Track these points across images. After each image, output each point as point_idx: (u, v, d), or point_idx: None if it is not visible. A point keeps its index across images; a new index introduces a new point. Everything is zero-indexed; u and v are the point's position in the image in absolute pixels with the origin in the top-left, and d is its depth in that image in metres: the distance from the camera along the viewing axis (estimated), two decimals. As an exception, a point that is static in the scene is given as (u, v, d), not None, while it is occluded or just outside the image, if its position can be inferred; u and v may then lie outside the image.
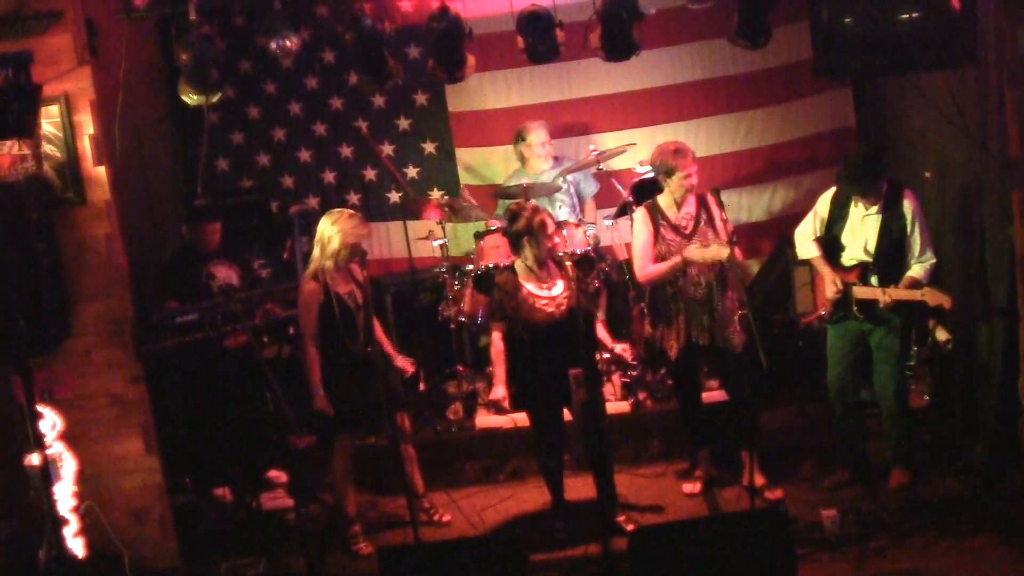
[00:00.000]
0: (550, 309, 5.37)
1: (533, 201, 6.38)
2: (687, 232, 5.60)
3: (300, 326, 5.56)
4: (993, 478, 5.37)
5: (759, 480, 5.60)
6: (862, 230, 5.48)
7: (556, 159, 7.25)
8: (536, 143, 7.14)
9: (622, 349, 5.70)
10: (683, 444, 6.15)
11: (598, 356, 5.95)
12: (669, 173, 5.56)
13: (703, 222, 5.59)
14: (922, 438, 5.97)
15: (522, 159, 7.25)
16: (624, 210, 6.98)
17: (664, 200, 5.68)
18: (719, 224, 5.48)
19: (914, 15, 4.80)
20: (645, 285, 5.78)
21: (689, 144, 5.74)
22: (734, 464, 5.86)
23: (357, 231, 5.47)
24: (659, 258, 5.61)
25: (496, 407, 5.53)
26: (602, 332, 5.68)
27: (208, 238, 6.39)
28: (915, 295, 5.26)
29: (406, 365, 5.82)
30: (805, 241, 5.68)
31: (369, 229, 5.66)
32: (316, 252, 5.55)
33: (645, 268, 5.65)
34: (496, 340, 5.48)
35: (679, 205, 5.63)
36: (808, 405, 6.41)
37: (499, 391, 5.42)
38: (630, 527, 5.37)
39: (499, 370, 5.47)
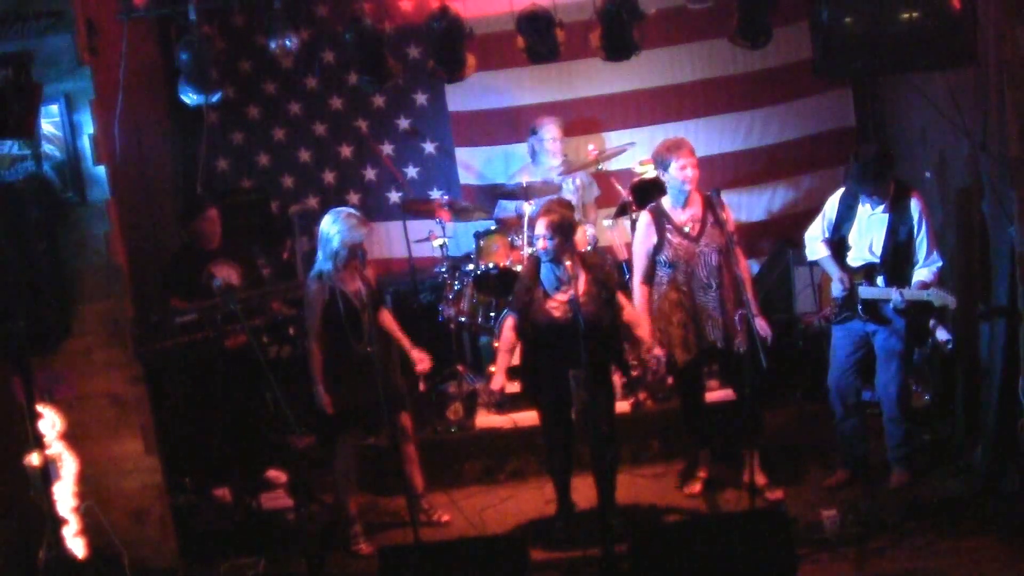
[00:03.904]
0: (557, 313, 5.31)
1: (558, 196, 6.41)
2: (693, 235, 5.58)
3: (304, 324, 5.56)
4: (993, 478, 5.37)
5: (759, 480, 5.60)
6: (868, 230, 5.47)
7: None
8: (547, 138, 7.15)
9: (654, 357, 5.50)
10: (683, 444, 6.15)
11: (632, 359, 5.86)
12: (666, 166, 5.55)
13: (709, 224, 5.58)
14: (922, 438, 5.98)
15: (533, 154, 7.26)
16: (624, 210, 6.98)
17: (668, 202, 5.67)
18: (724, 225, 5.46)
19: (914, 15, 4.81)
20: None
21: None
22: (735, 464, 5.86)
23: (356, 231, 5.45)
24: (666, 263, 5.60)
25: (491, 396, 5.46)
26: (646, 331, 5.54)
27: (207, 228, 6.30)
28: (921, 295, 5.27)
29: (422, 358, 5.73)
30: (814, 243, 5.67)
31: (369, 228, 5.64)
32: (319, 252, 5.56)
33: (640, 289, 5.64)
34: (506, 329, 5.46)
35: (683, 206, 5.62)
36: (808, 405, 6.42)
37: (496, 381, 5.42)
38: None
39: (500, 360, 5.46)
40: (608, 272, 5.46)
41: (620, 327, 5.44)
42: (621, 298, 5.45)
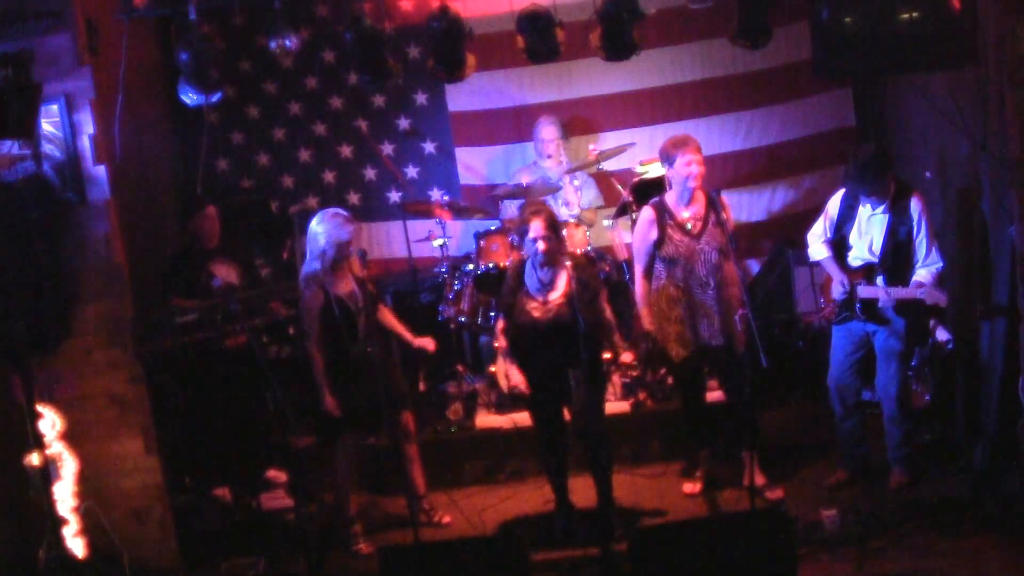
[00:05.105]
0: (537, 314, 5.33)
1: (544, 199, 6.40)
2: (695, 233, 5.57)
3: (303, 328, 5.57)
4: (993, 478, 5.37)
5: (759, 480, 5.60)
6: (868, 230, 5.47)
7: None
8: (544, 139, 7.18)
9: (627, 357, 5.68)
10: (683, 444, 6.15)
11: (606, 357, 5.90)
12: (671, 161, 5.54)
13: (711, 223, 5.57)
14: (922, 438, 5.98)
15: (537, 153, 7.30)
16: (624, 210, 6.98)
17: (671, 198, 5.66)
18: (725, 226, 5.46)
19: (914, 15, 4.81)
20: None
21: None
22: (734, 464, 5.86)
23: (341, 229, 5.45)
24: (666, 259, 5.59)
25: (516, 393, 5.47)
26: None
27: (206, 226, 6.29)
28: (914, 293, 5.27)
29: (426, 343, 5.85)
30: (816, 243, 5.67)
31: (356, 227, 5.62)
32: (307, 253, 5.57)
33: (640, 283, 5.68)
34: (498, 333, 5.50)
35: (687, 204, 5.61)
36: (808, 405, 6.42)
37: (515, 376, 5.39)
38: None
39: (506, 363, 5.49)
40: (592, 273, 5.50)
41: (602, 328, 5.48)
42: (602, 301, 5.47)
